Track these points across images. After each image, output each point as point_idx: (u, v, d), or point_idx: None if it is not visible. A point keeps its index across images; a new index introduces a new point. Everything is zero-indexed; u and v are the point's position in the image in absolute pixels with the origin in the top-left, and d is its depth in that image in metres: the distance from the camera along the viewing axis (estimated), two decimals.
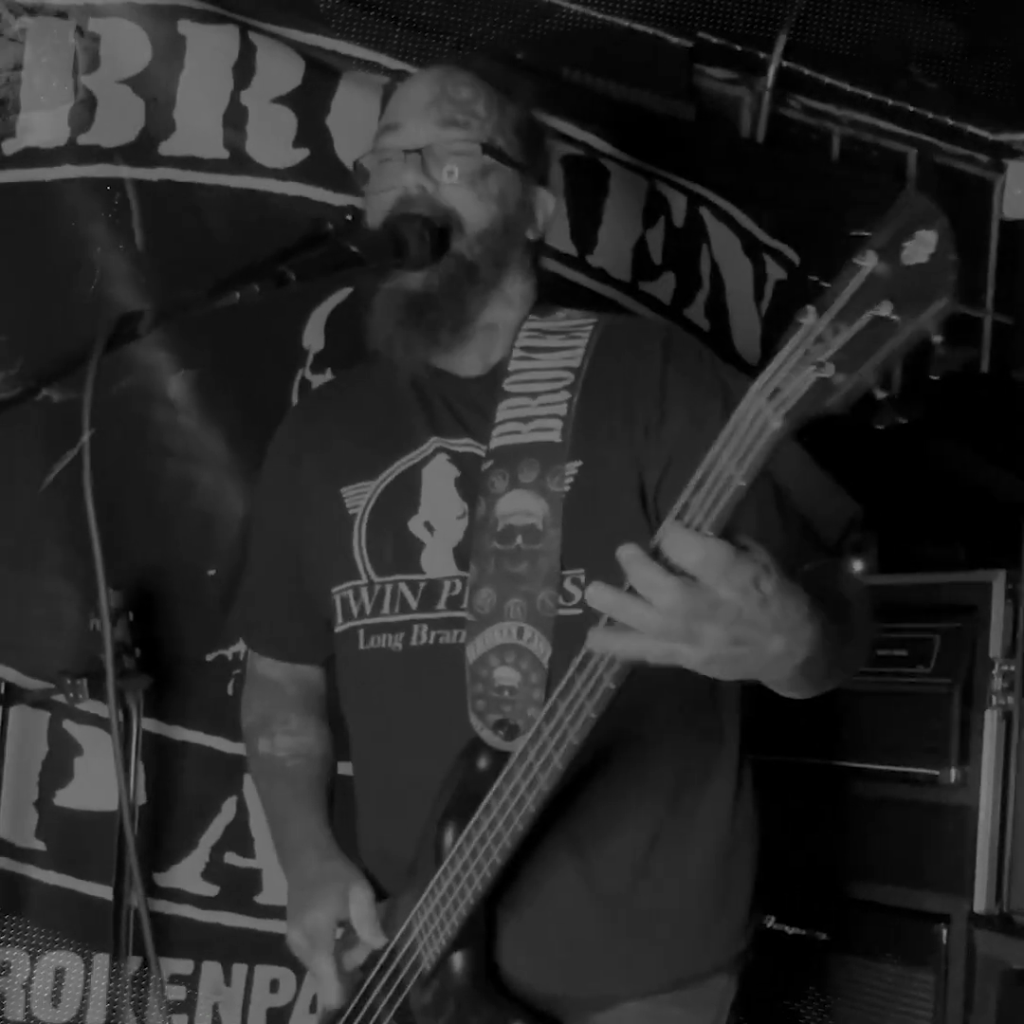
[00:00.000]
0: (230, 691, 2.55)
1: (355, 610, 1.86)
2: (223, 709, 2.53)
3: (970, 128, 3.69)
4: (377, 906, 1.80)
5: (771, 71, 3.32)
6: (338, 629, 1.90)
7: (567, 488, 1.74)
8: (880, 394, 1.20)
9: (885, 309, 1.15)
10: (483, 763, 1.69)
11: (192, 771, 2.53)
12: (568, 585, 1.72)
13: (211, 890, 2.53)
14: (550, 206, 1.91)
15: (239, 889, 2.54)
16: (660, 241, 3.04)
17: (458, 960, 1.72)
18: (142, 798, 2.45)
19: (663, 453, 1.74)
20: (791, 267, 3.19)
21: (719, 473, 1.29)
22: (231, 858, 2.54)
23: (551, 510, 1.73)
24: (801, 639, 1.40)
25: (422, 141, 1.81)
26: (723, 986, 1.82)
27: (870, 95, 3.50)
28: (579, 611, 1.69)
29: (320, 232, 1.68)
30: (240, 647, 2.55)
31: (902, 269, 1.14)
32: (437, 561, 1.81)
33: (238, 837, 2.55)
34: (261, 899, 2.56)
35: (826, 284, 1.21)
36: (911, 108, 3.57)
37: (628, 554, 1.30)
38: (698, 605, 1.30)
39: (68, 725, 2.44)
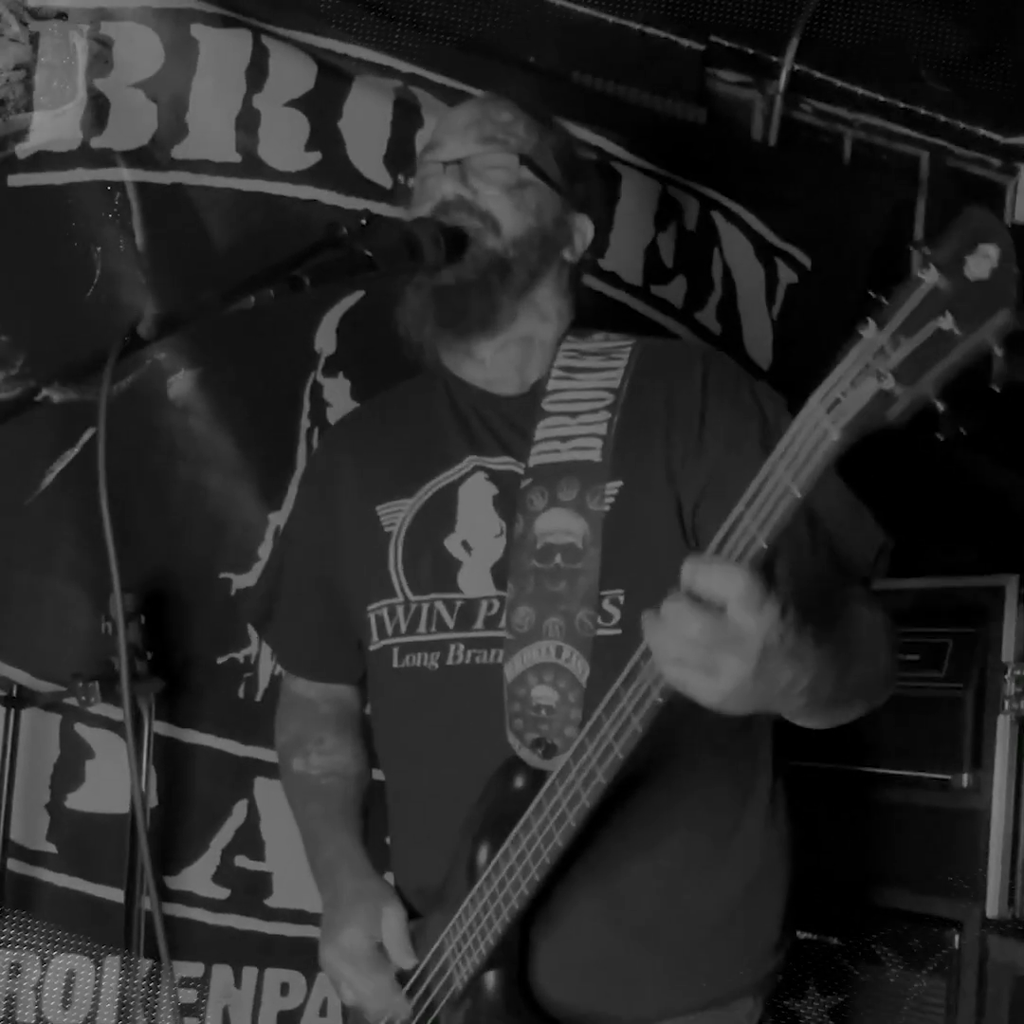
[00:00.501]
0: (242, 694, 2.56)
1: (390, 628, 1.87)
2: (235, 712, 2.55)
3: (982, 131, 3.66)
4: (408, 926, 1.80)
5: (783, 74, 3.30)
6: (372, 647, 1.90)
7: (607, 507, 1.75)
8: (941, 406, 1.20)
9: (946, 322, 1.16)
10: (520, 782, 1.69)
11: (203, 774, 2.53)
12: (607, 605, 1.73)
13: (222, 893, 2.53)
14: (589, 233, 1.94)
15: (250, 892, 2.54)
16: (672, 245, 3.04)
17: (491, 979, 1.72)
18: (153, 801, 2.45)
19: (701, 477, 1.75)
20: (803, 270, 3.19)
21: (776, 484, 1.29)
22: (242, 861, 2.54)
23: (590, 529, 1.74)
24: (807, 665, 1.41)
25: (461, 153, 1.85)
26: (749, 1008, 1.82)
27: (882, 98, 3.48)
28: (618, 631, 1.70)
29: (335, 237, 1.68)
30: (251, 650, 2.57)
31: (964, 282, 1.15)
32: (475, 580, 1.81)
33: (249, 840, 2.55)
34: (271, 902, 2.56)
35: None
36: (923, 111, 3.54)
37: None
38: (715, 633, 1.30)
39: (80, 728, 2.45)
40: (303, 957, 2.51)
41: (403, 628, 1.85)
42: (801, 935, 2.58)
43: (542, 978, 1.74)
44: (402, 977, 1.80)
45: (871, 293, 1.23)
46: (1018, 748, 2.43)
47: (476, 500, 1.84)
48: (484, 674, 1.76)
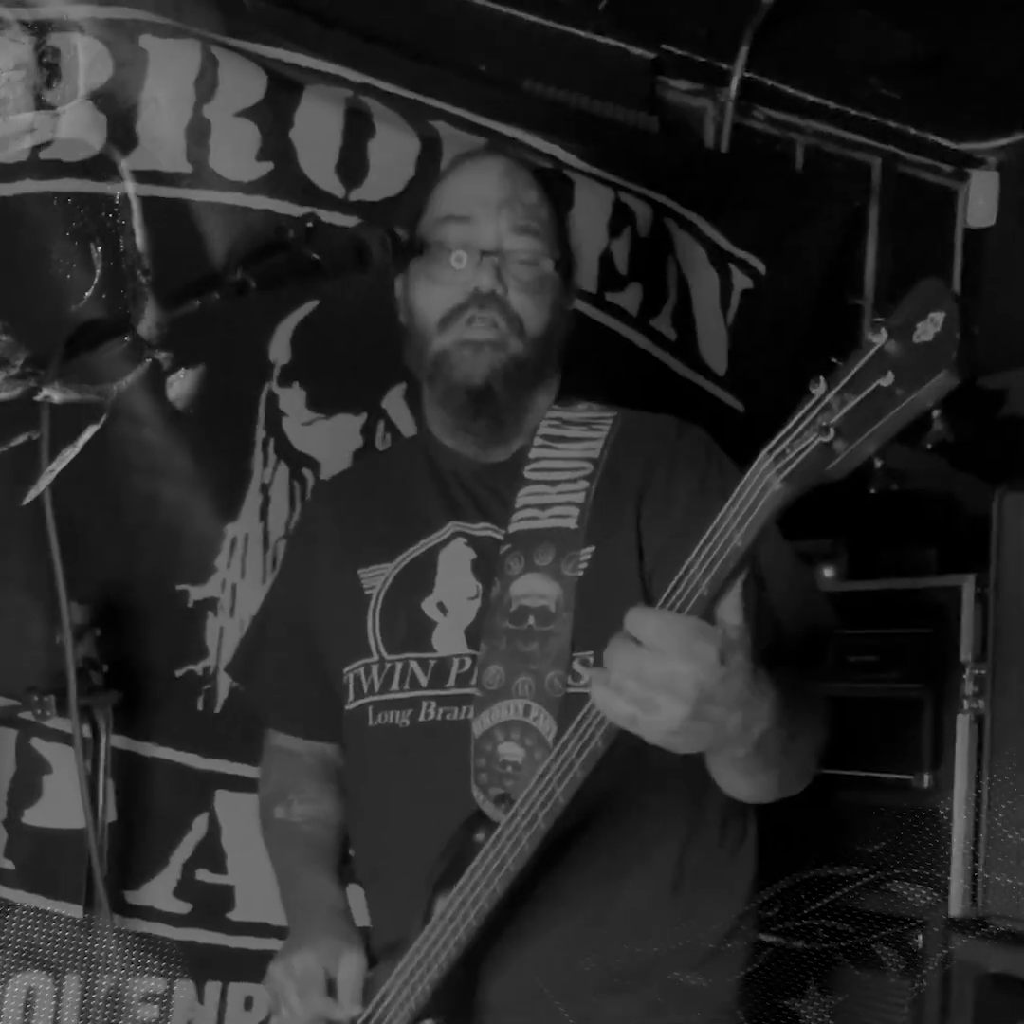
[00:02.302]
0: (200, 707, 2.54)
1: (365, 687, 1.89)
2: (194, 725, 2.53)
3: (933, 138, 3.72)
4: (365, 975, 1.80)
5: (734, 82, 3.34)
6: (348, 707, 1.92)
7: (581, 573, 1.78)
8: (877, 462, 1.23)
9: (887, 380, 1.19)
10: (480, 836, 1.69)
11: (163, 788, 2.50)
12: (577, 666, 1.75)
13: (183, 907, 2.50)
14: (573, 302, 1.99)
15: (212, 906, 2.52)
16: (626, 252, 3.04)
17: None
18: (112, 815, 2.42)
19: (659, 542, 1.78)
20: (757, 276, 3.21)
21: (722, 533, 1.33)
22: (203, 875, 2.51)
23: (564, 593, 1.77)
24: (757, 714, 1.44)
25: (494, 242, 1.86)
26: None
27: (833, 105, 3.53)
28: (587, 690, 1.69)
29: (281, 240, 1.68)
30: (210, 662, 2.55)
31: (910, 346, 1.19)
32: (448, 639, 1.84)
33: (210, 853, 2.52)
34: (234, 916, 2.53)
35: None
36: (874, 118, 3.59)
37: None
38: (651, 672, 1.34)
39: (36, 743, 2.42)
40: (266, 970, 2.49)
41: (377, 686, 1.88)
42: (766, 939, 2.58)
43: (498, 1015, 1.74)
44: None
45: (832, 360, 1.27)
46: (978, 747, 2.44)
47: (455, 564, 1.88)
48: (454, 730, 1.79)
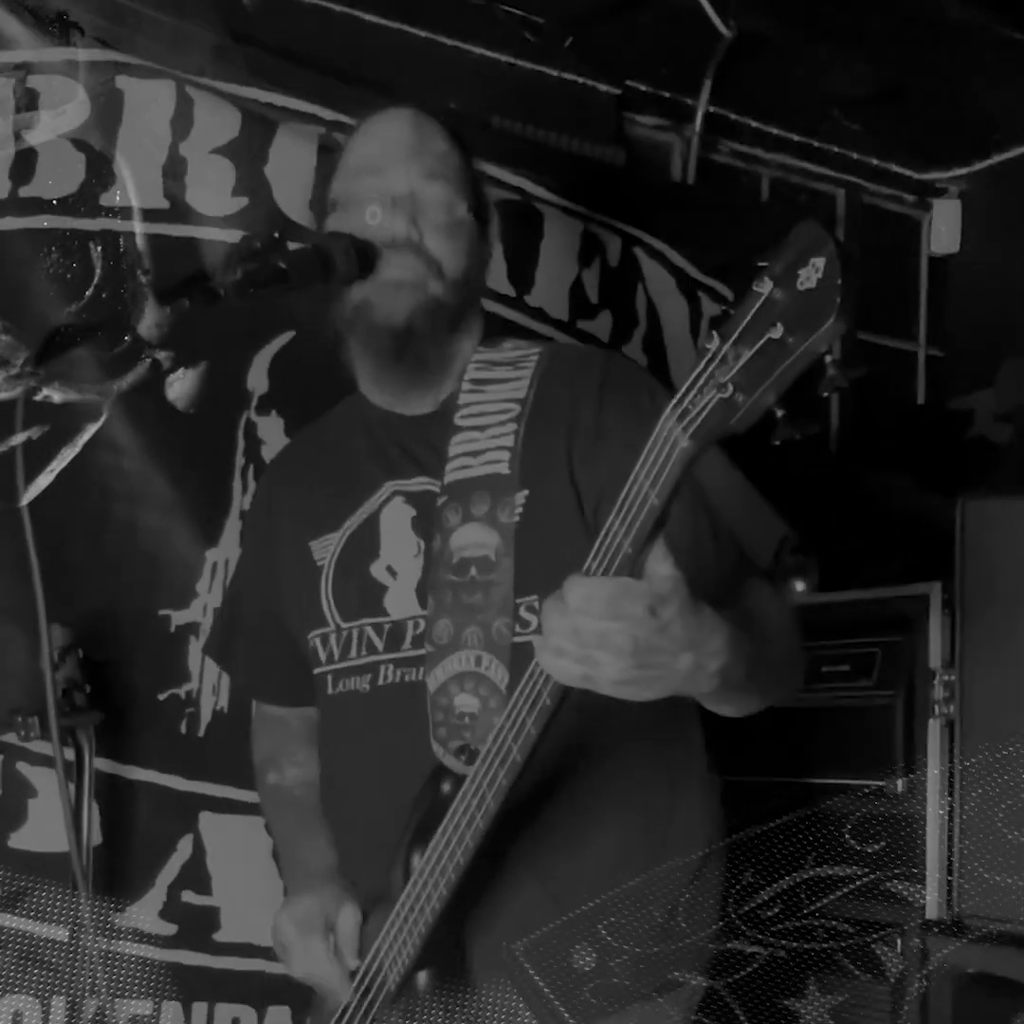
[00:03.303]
0: (184, 730, 2.57)
1: (323, 656, 1.92)
2: (177, 747, 2.56)
3: (895, 168, 3.79)
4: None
5: (698, 117, 3.41)
6: (314, 674, 1.96)
7: (517, 519, 1.79)
8: (778, 412, 1.27)
9: (778, 331, 1.23)
10: (446, 788, 1.72)
11: (147, 810, 2.53)
12: (523, 612, 1.77)
13: (169, 929, 2.52)
14: (493, 250, 2.01)
15: (197, 927, 2.54)
16: (596, 280, 3.11)
17: (422, 979, 1.74)
18: (97, 838, 2.44)
19: (598, 479, 1.79)
20: (725, 303, 3.26)
21: (637, 492, 1.38)
22: (188, 896, 2.53)
23: (503, 541, 1.78)
24: (709, 650, 1.47)
25: (406, 189, 1.87)
26: (691, 989, 1.86)
27: (796, 138, 3.60)
28: (535, 637, 1.73)
29: (249, 250, 1.72)
30: (193, 685, 2.59)
31: (795, 294, 1.22)
32: (401, 602, 1.86)
33: (195, 875, 2.54)
34: (220, 937, 2.55)
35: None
36: (837, 150, 3.67)
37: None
38: (584, 632, 1.39)
39: (21, 766, 2.44)
40: (253, 991, 2.52)
41: (336, 655, 1.90)
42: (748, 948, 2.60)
43: (480, 976, 1.76)
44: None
45: (720, 306, 1.30)
46: (949, 751, 2.47)
47: (396, 524, 1.89)
48: (412, 690, 1.81)
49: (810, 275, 1.21)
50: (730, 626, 1.50)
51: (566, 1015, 1.73)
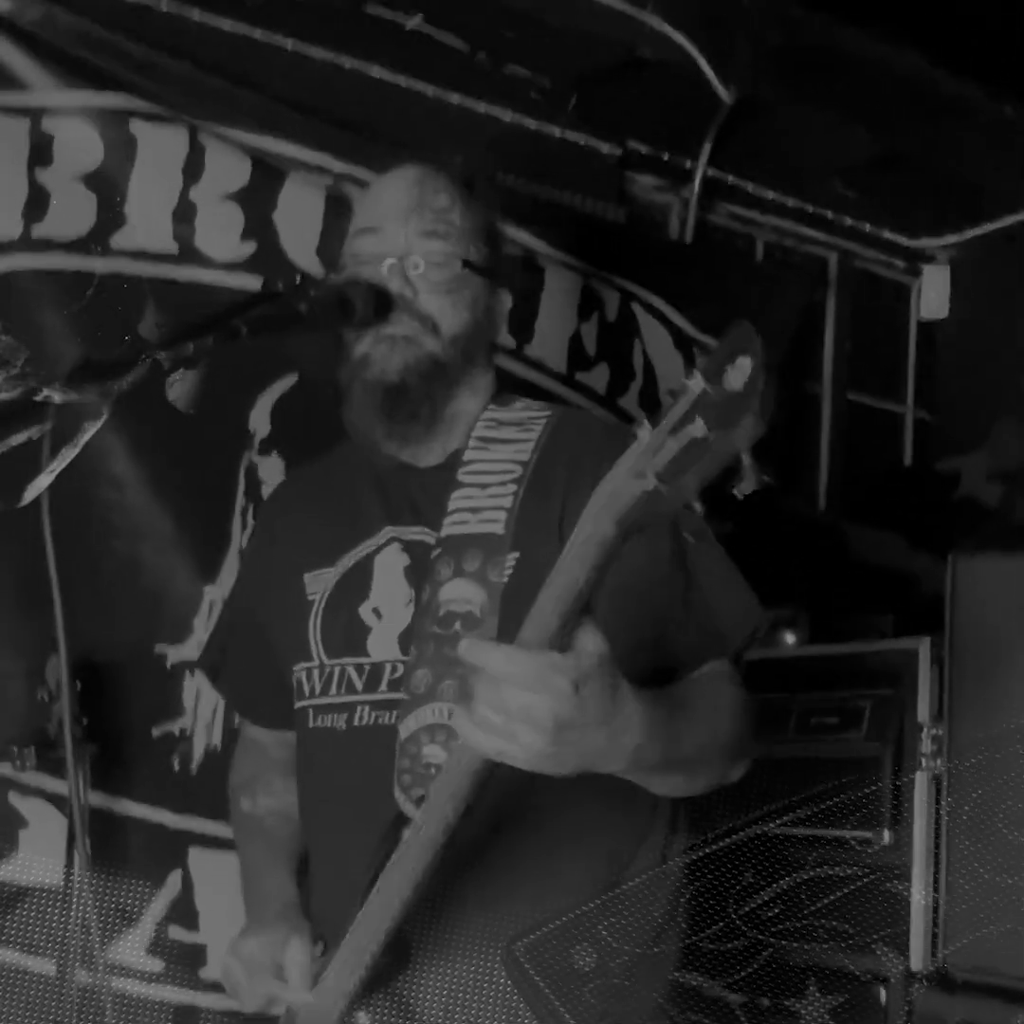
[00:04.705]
0: (176, 766, 2.59)
1: (306, 690, 1.94)
2: (169, 783, 2.58)
3: (887, 234, 3.86)
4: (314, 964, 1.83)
5: (697, 179, 3.47)
6: (296, 706, 1.98)
7: (506, 579, 1.81)
8: (697, 507, 1.31)
9: (700, 429, 1.26)
10: (406, 836, 1.71)
11: (137, 845, 2.54)
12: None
13: (156, 965, 2.52)
14: (508, 304, 2.02)
15: (184, 964, 2.54)
16: (594, 334, 3.16)
17: (361, 1020, 1.77)
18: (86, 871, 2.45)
19: None
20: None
21: (567, 570, 1.42)
22: (176, 932, 2.54)
23: (489, 599, 1.80)
24: (624, 727, 1.49)
25: (402, 249, 1.90)
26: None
27: (791, 202, 3.67)
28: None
29: (271, 291, 1.76)
30: (186, 722, 2.60)
31: (722, 392, 1.26)
32: (382, 645, 1.88)
33: (183, 911, 2.55)
34: (206, 974, 2.55)
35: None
36: (831, 215, 3.74)
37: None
38: (511, 705, 1.40)
39: (13, 798, 2.45)
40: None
41: (318, 690, 1.93)
42: (732, 997, 2.61)
43: (432, 1013, 1.78)
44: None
45: (666, 392, 1.35)
46: (936, 805, 2.49)
47: (389, 570, 1.91)
48: (385, 734, 1.83)
49: (737, 375, 1.24)
50: (647, 707, 1.52)
51: (566, 1015, 1.74)
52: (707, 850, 2.04)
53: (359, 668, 1.88)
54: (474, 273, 1.93)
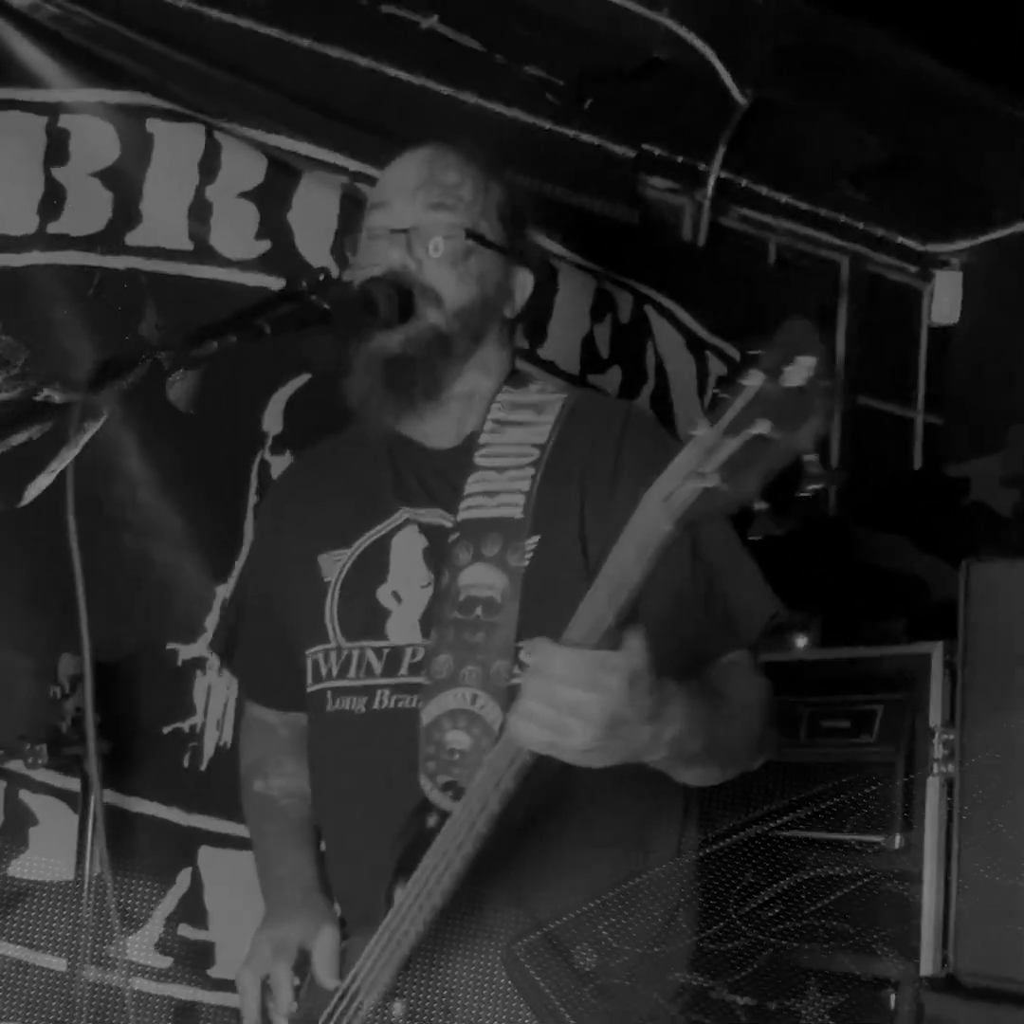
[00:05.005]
0: (187, 763, 2.59)
1: (324, 672, 1.93)
2: (179, 781, 2.58)
3: (900, 239, 3.86)
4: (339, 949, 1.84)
5: (710, 182, 3.47)
6: (310, 689, 1.96)
7: (526, 563, 1.81)
8: (758, 506, 1.31)
9: (764, 427, 1.26)
10: (431, 822, 1.73)
11: (147, 842, 2.54)
12: (523, 656, 1.78)
13: (164, 962, 2.52)
14: (529, 285, 1.99)
15: (192, 961, 2.54)
16: (607, 336, 3.16)
17: (397, 1008, 1.75)
18: (96, 868, 2.45)
19: (606, 532, 1.76)
20: (732, 363, 3.32)
21: (620, 567, 1.43)
22: (185, 930, 2.54)
23: (510, 584, 1.80)
24: (667, 721, 1.52)
25: (409, 222, 1.90)
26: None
27: (804, 206, 3.67)
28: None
29: (294, 289, 1.76)
30: (197, 719, 2.60)
31: (782, 390, 1.25)
32: (402, 629, 1.87)
33: (192, 909, 2.55)
34: (214, 972, 2.55)
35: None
36: (843, 219, 3.74)
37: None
38: (560, 700, 1.43)
39: (24, 795, 2.45)
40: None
41: (335, 672, 1.91)
42: (740, 1000, 2.60)
43: (458, 1002, 1.77)
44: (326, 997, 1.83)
45: (714, 391, 1.34)
46: (947, 810, 2.49)
47: (407, 552, 1.90)
48: (406, 718, 1.82)
49: (797, 373, 1.24)
50: (689, 699, 1.55)
51: (566, 1015, 1.75)
52: (712, 848, 2.04)
53: (378, 651, 1.88)
54: (483, 246, 1.92)
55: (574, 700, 1.42)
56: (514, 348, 2.03)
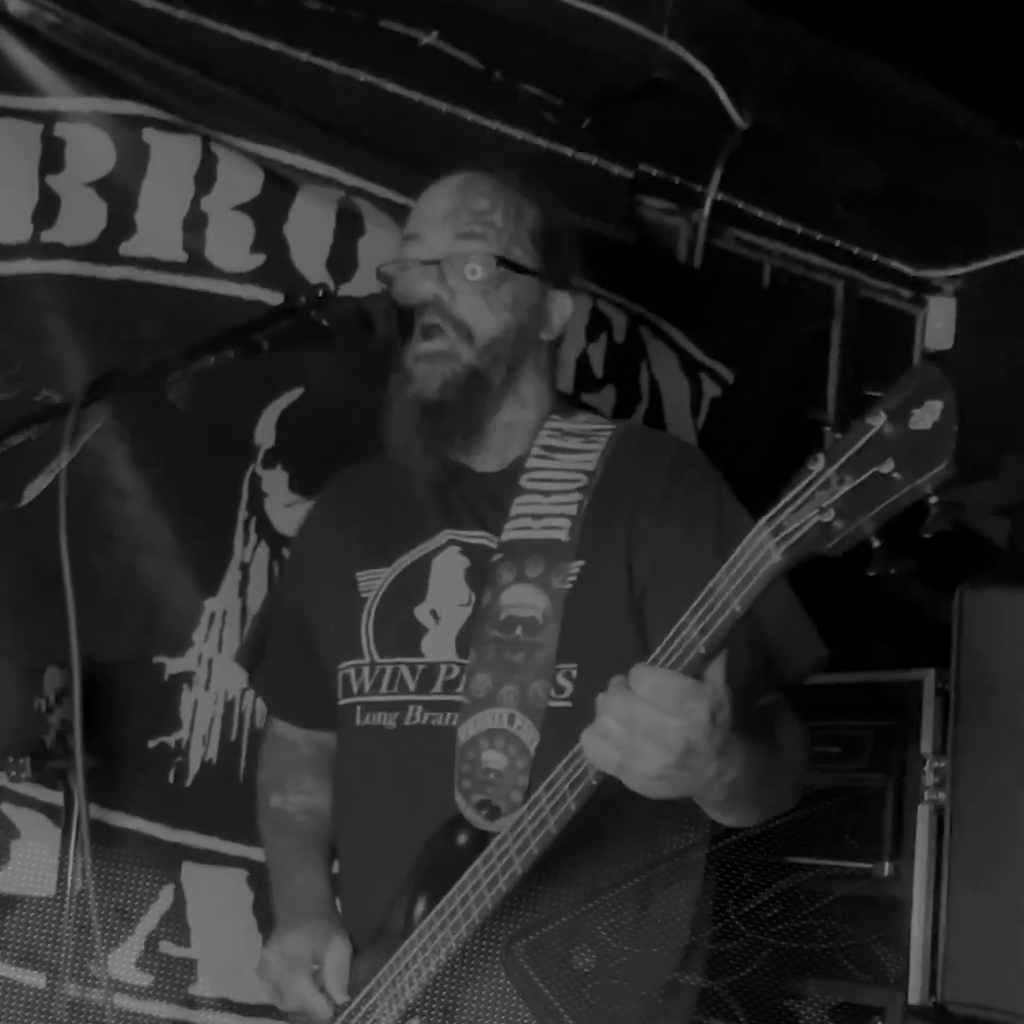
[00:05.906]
0: (171, 779, 2.56)
1: (355, 687, 1.93)
2: (164, 796, 2.55)
3: (894, 264, 3.86)
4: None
5: (707, 204, 3.47)
6: (340, 703, 1.97)
7: (569, 586, 1.82)
8: (876, 543, 1.31)
9: (888, 466, 1.27)
10: (462, 839, 1.74)
11: (131, 858, 2.51)
12: (561, 678, 1.80)
13: (145, 979, 2.49)
14: (568, 308, 2.00)
15: (174, 979, 2.51)
16: (602, 356, 3.15)
17: None
18: (79, 883, 2.42)
19: (652, 562, 1.82)
20: (725, 385, 3.32)
21: (719, 596, 1.41)
22: (167, 947, 2.51)
23: (552, 605, 1.81)
24: (730, 762, 1.52)
25: (439, 252, 1.91)
26: None
27: (800, 230, 3.66)
28: (569, 704, 1.78)
29: (293, 305, 1.75)
30: (182, 735, 2.58)
31: (908, 432, 1.25)
32: (438, 646, 1.88)
33: (175, 926, 2.52)
34: (196, 990, 2.52)
35: None
36: (838, 243, 3.73)
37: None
38: (640, 720, 1.42)
39: (6, 808, 2.43)
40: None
41: (367, 688, 1.92)
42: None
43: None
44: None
45: (827, 429, 1.34)
46: (937, 837, 2.48)
47: (448, 572, 1.91)
48: (439, 735, 1.83)
49: (925, 416, 1.25)
50: (748, 744, 1.55)
51: (565, 1015, 1.73)
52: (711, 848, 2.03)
53: (412, 668, 1.88)
54: (514, 272, 1.91)
55: (654, 723, 1.42)
56: (554, 373, 2.03)
